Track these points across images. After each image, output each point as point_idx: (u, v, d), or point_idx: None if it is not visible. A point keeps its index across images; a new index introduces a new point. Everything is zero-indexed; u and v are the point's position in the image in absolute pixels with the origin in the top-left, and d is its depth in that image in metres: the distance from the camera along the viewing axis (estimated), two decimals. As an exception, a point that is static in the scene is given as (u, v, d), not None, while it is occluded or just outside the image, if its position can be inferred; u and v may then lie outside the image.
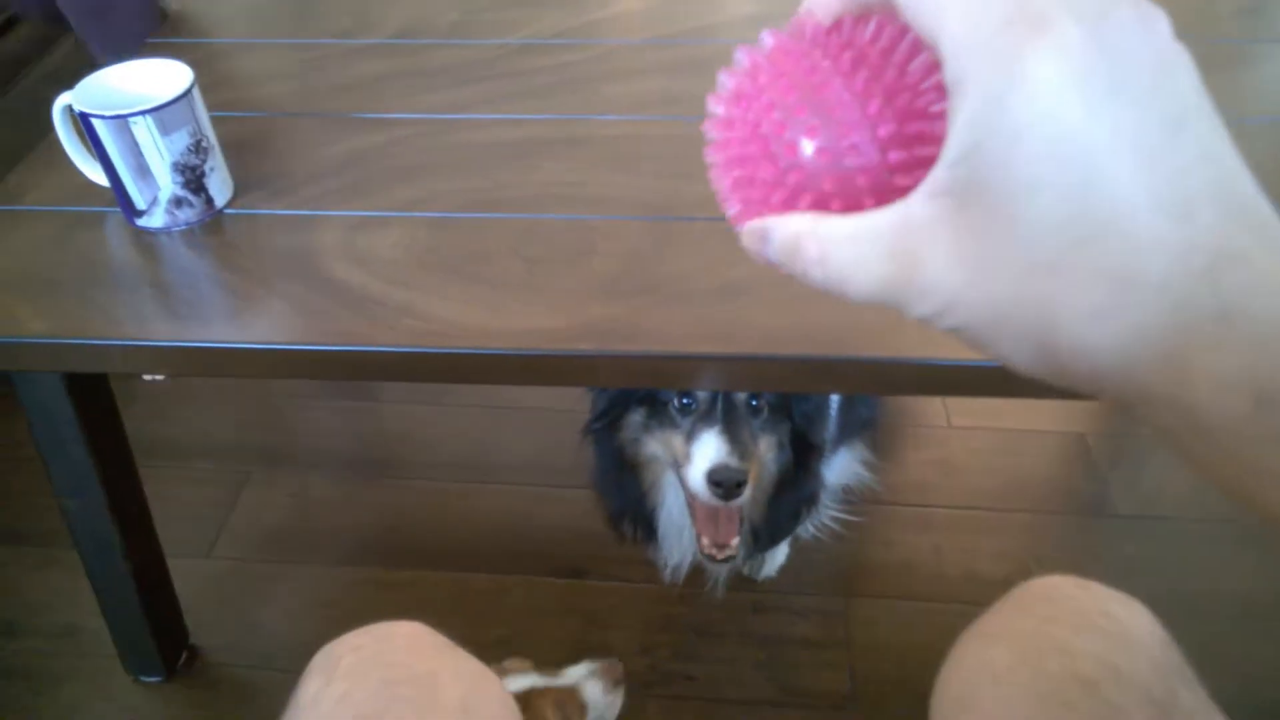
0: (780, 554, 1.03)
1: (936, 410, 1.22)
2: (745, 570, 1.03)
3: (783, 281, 0.61)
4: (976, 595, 0.51)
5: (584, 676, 0.77)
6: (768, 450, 0.82)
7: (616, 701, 0.79)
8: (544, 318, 0.61)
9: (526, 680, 0.73)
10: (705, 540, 0.83)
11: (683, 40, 0.91)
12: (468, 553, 0.93)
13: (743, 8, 0.96)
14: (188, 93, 0.64)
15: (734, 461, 0.76)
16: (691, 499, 0.82)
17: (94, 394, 0.74)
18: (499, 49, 0.90)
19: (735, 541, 0.83)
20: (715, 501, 0.77)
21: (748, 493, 0.77)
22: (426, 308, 0.61)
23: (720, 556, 0.83)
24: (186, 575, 0.98)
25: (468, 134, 0.78)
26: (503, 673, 0.73)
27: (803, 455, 0.85)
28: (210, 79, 0.85)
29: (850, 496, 1.08)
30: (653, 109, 0.81)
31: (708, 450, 0.77)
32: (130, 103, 0.64)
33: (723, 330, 0.60)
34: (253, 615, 1.02)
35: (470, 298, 0.62)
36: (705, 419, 0.78)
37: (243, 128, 0.79)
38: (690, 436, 0.79)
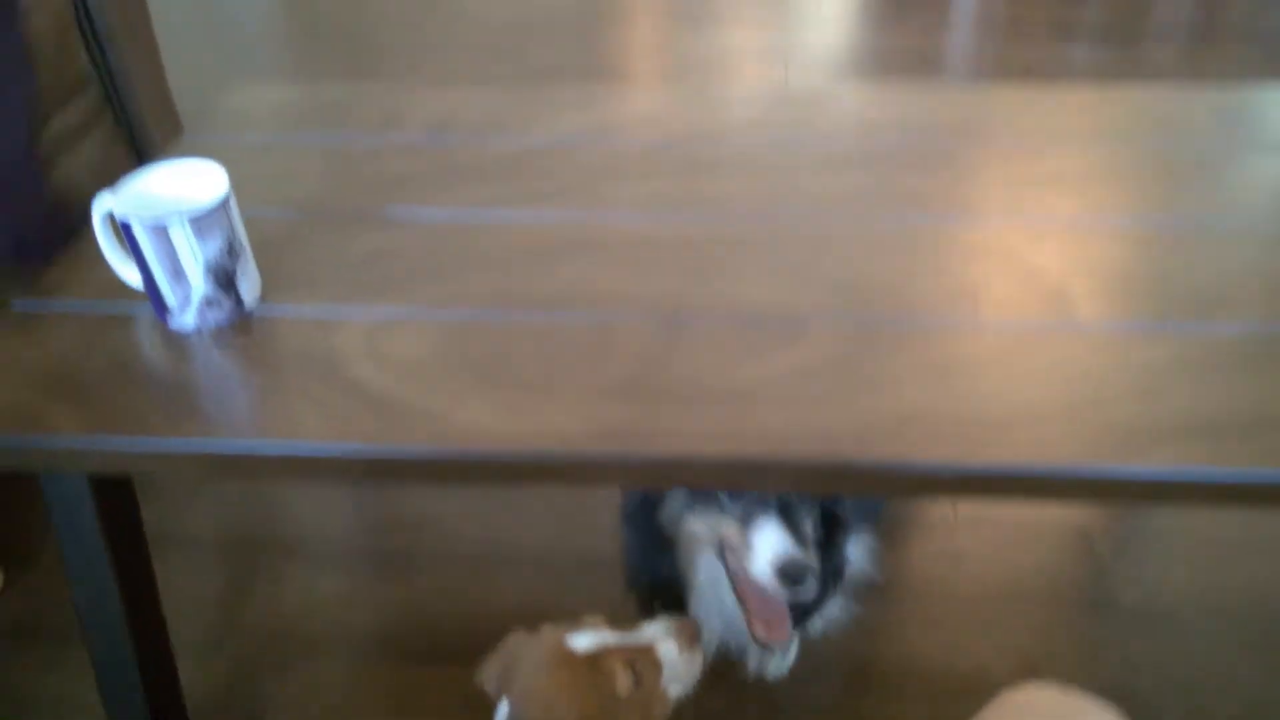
0: (790, 651, 1.02)
1: (942, 500, 1.22)
2: (755, 667, 1.02)
3: (788, 382, 0.64)
4: (989, 691, 0.51)
5: (659, 635, 0.74)
6: (812, 532, 0.81)
7: (695, 660, 0.75)
8: (561, 419, 0.62)
9: (598, 638, 0.71)
10: (759, 628, 0.82)
11: (693, 141, 0.94)
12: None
13: (748, 112, 1.00)
14: (225, 198, 0.66)
15: (799, 553, 0.74)
16: (741, 584, 0.81)
17: (117, 491, 0.76)
18: (520, 148, 0.94)
19: (789, 626, 0.82)
20: (780, 593, 0.75)
21: (812, 584, 0.76)
22: (446, 409, 0.63)
23: (775, 642, 0.82)
24: (194, 674, 0.97)
25: (489, 233, 0.81)
26: (576, 628, 0.71)
27: (830, 530, 0.85)
28: (243, 174, 0.88)
29: (858, 589, 1.08)
30: (665, 209, 0.84)
31: (771, 541, 0.75)
32: (168, 207, 0.67)
33: (733, 431, 0.61)
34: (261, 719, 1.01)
35: (489, 399, 0.63)
36: (760, 504, 0.76)
37: (273, 225, 0.81)
38: (746, 523, 0.77)
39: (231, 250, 0.68)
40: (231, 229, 0.68)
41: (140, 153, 1.58)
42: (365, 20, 2.72)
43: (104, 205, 0.68)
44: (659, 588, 0.91)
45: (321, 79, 2.38)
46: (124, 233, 0.66)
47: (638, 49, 2.52)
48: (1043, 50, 2.45)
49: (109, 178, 1.49)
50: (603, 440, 0.61)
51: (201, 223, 0.65)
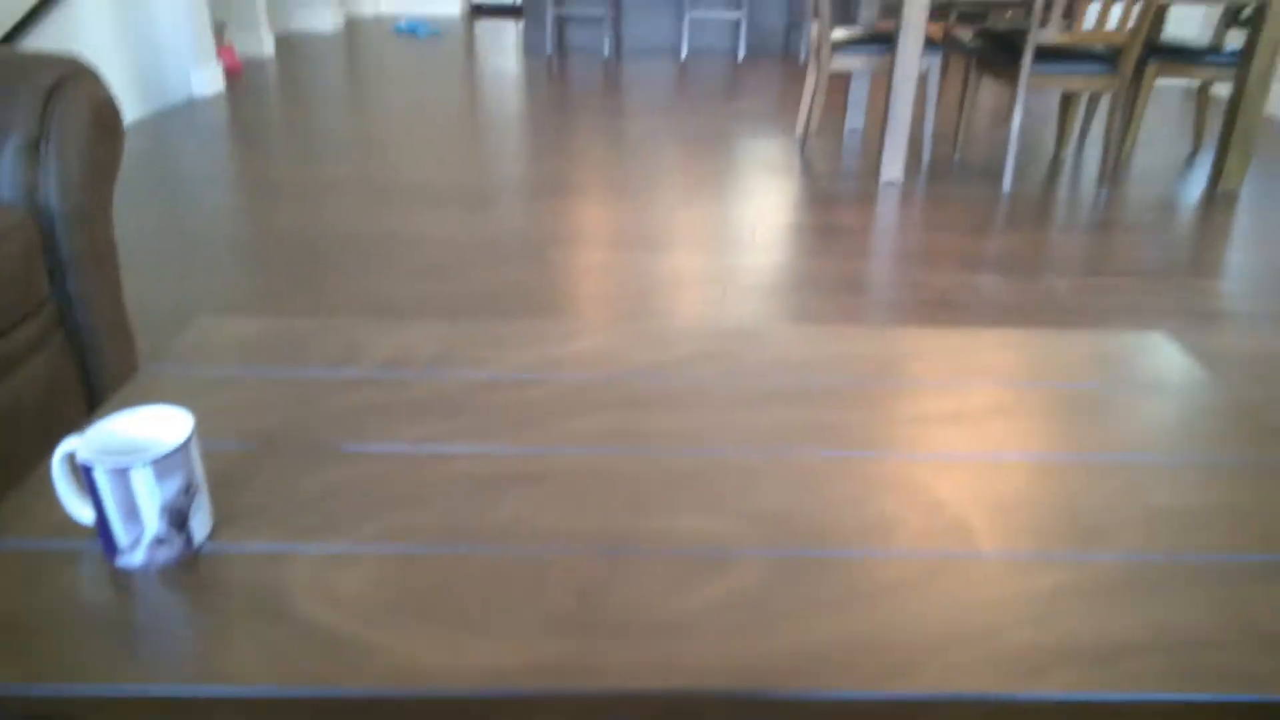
0: None
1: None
2: None
3: (717, 614, 0.67)
4: None
5: None
6: None
7: None
8: (502, 655, 0.64)
9: None
10: None
11: (633, 377, 1.02)
12: None
13: (687, 348, 1.09)
14: (187, 441, 0.70)
15: None
16: None
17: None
18: (470, 383, 1.00)
19: None
20: None
21: None
22: (392, 647, 0.65)
23: None
24: None
25: (439, 467, 0.85)
26: None
27: None
28: (202, 408, 0.93)
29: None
30: (607, 442, 0.90)
31: None
32: (129, 449, 0.70)
33: (666, 666, 0.64)
34: None
35: (432, 636, 0.66)
36: None
37: (227, 459, 0.85)
38: None
39: (188, 490, 0.71)
40: (191, 469, 0.71)
41: (88, 372, 1.62)
42: (317, 242, 2.86)
43: (66, 447, 0.71)
44: None
45: (274, 299, 2.47)
46: (84, 474, 0.69)
47: (581, 271, 2.68)
48: (954, 278, 2.67)
49: (55, 394, 1.53)
50: (541, 677, 0.63)
51: (163, 465, 0.69)
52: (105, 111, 1.48)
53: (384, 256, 2.75)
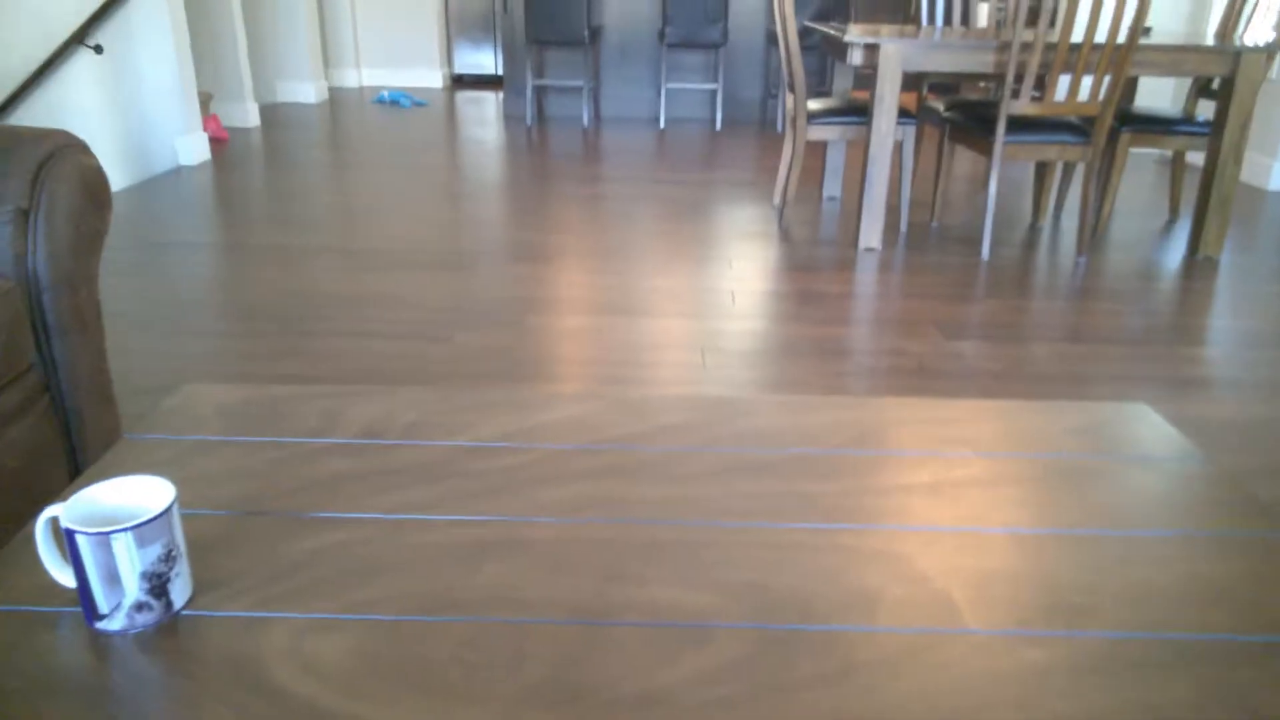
0: None
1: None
2: None
3: (698, 688, 0.67)
4: None
5: None
6: None
7: None
8: (481, 724, 0.64)
9: None
10: None
11: (612, 446, 1.03)
12: None
13: (667, 417, 1.10)
14: (168, 509, 0.71)
15: None
16: None
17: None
18: (449, 450, 1.01)
19: None
20: None
21: None
22: (369, 718, 0.64)
23: None
24: None
25: (418, 535, 0.86)
26: None
27: None
28: (183, 476, 0.93)
29: None
30: (586, 512, 0.90)
31: None
32: (111, 516, 0.70)
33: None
34: None
35: (412, 707, 0.65)
36: None
37: (208, 526, 0.85)
38: None
39: (169, 556, 0.71)
40: (172, 537, 0.72)
41: (71, 437, 1.61)
42: (300, 307, 2.88)
43: (49, 513, 0.72)
44: None
45: (257, 363, 2.48)
46: (66, 540, 0.70)
47: (561, 336, 2.70)
48: (933, 345, 2.70)
49: (38, 458, 1.52)
50: (520, 746, 0.63)
51: (144, 532, 0.69)
52: (94, 183, 1.51)
53: (366, 321, 2.77)
